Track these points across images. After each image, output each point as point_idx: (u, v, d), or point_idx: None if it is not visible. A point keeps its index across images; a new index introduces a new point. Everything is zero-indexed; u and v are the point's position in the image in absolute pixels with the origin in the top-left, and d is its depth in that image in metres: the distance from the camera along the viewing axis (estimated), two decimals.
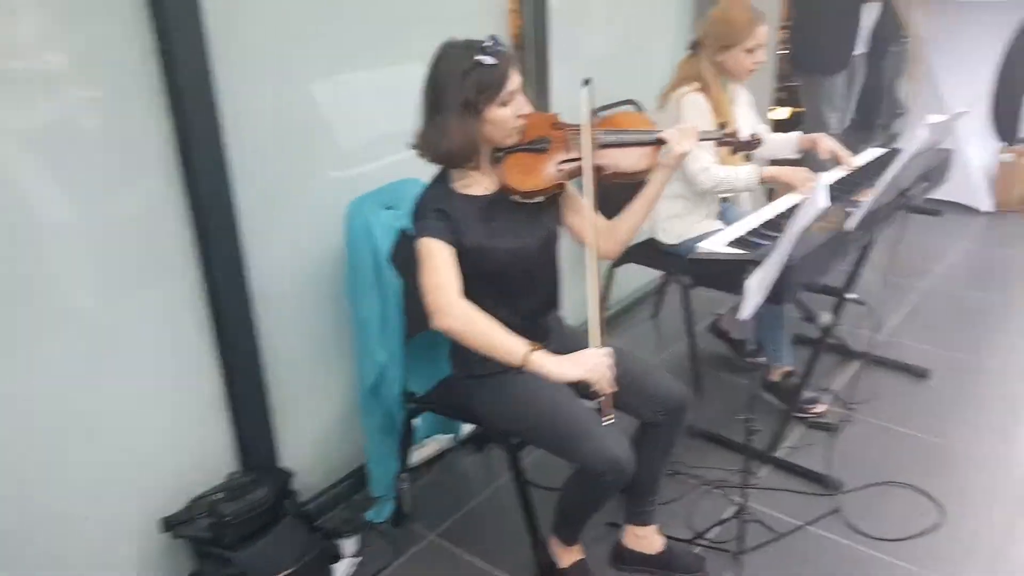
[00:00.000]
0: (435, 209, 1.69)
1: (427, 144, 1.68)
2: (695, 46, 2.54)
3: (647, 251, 2.73)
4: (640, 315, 3.45)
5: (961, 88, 4.30)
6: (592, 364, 1.59)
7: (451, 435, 2.52)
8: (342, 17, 2.06)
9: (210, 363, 1.94)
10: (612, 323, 3.28)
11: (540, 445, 1.81)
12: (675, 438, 1.96)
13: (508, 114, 1.66)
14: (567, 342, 1.96)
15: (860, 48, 4.08)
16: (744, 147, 1.96)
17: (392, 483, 2.22)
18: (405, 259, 2.01)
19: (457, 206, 1.71)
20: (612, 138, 1.80)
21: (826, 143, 2.57)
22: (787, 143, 2.67)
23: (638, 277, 3.46)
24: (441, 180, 1.76)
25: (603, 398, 1.60)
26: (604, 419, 1.60)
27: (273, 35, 1.92)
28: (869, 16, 3.84)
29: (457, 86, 1.61)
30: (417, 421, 2.19)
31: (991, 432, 2.56)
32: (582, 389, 1.67)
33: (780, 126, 4.44)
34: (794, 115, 4.99)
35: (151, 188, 1.75)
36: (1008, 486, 2.31)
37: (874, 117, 5.82)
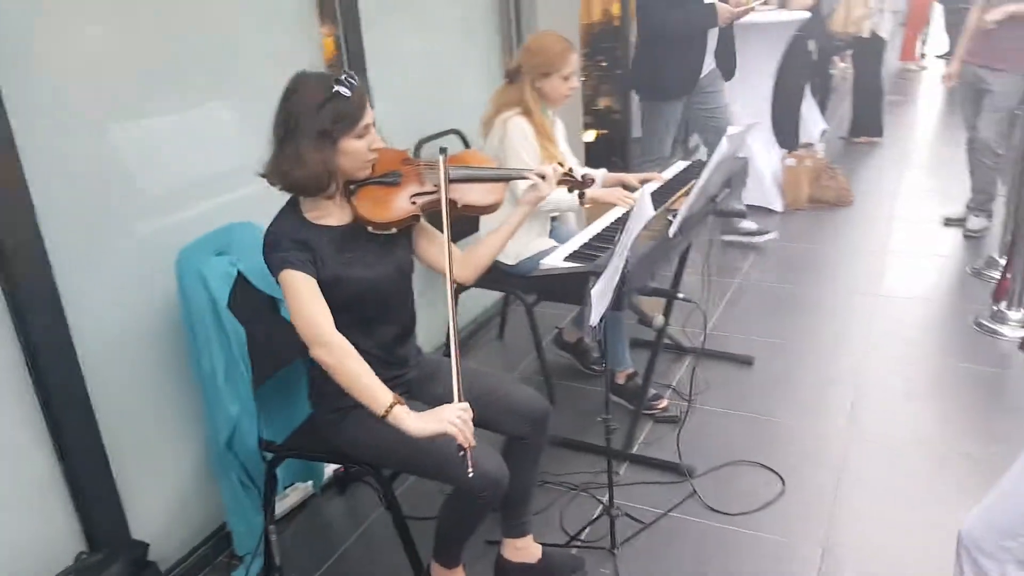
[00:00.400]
0: (292, 239, 1.68)
1: (281, 172, 1.67)
2: (513, 75, 2.67)
3: (487, 274, 2.79)
4: (485, 337, 3.52)
5: (746, 103, 4.76)
6: (451, 418, 1.59)
7: (310, 482, 2.45)
8: (147, 60, 1.98)
9: (38, 438, 1.78)
10: (461, 349, 3.32)
11: (414, 472, 1.82)
12: (541, 448, 2.03)
13: (362, 146, 1.69)
14: (425, 369, 1.99)
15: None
16: (580, 186, 2.08)
17: (258, 539, 2.13)
18: (244, 305, 1.97)
19: (313, 236, 1.70)
20: (468, 173, 1.89)
21: (631, 178, 2.83)
22: (597, 178, 2.87)
23: (480, 301, 3.55)
24: (293, 211, 1.75)
25: (464, 450, 1.58)
26: (468, 470, 1.57)
27: (74, 83, 1.82)
28: (713, 39, 3.88)
29: (314, 115, 1.63)
30: (278, 470, 2.12)
31: (810, 407, 2.84)
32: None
33: (588, 148, 4.71)
34: (599, 137, 5.33)
35: None
36: (830, 453, 2.58)
37: None
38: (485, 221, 2.59)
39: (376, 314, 1.81)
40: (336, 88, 1.63)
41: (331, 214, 1.76)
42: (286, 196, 1.76)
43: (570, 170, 2.07)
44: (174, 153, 2.09)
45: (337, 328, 1.67)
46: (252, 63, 2.31)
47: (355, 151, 1.68)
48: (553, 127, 2.76)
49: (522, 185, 2.02)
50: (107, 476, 1.91)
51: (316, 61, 2.58)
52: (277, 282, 1.68)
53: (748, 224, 4.24)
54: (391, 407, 1.63)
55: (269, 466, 2.02)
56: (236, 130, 2.28)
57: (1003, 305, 3.33)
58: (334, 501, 2.51)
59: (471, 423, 1.62)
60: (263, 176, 1.71)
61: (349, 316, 1.73)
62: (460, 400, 1.63)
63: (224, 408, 1.93)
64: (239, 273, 1.94)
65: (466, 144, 3.14)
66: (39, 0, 1.73)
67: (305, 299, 1.65)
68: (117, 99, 1.91)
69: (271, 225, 1.73)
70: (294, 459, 2.14)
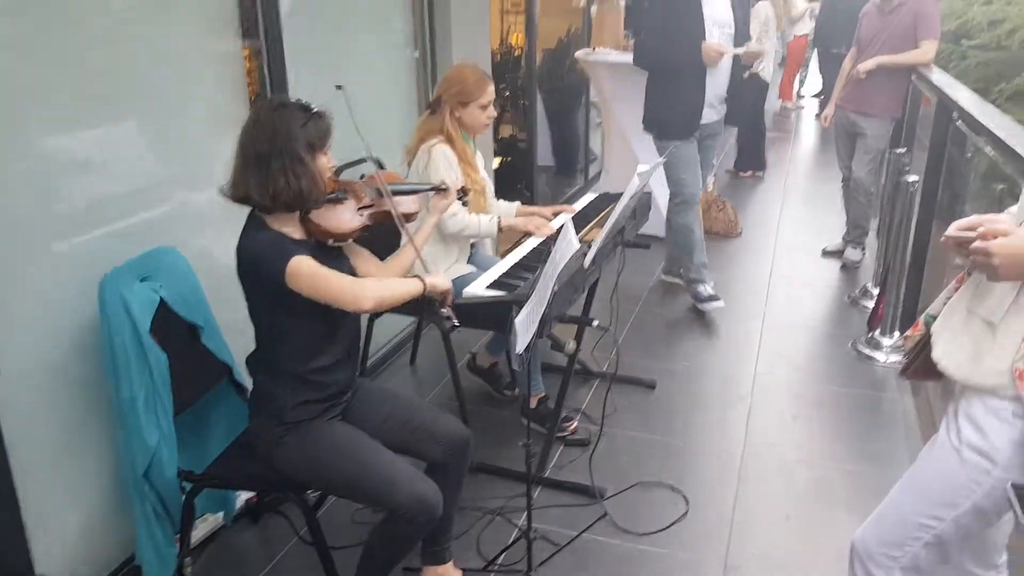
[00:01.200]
0: (280, 239, 1.77)
1: (275, 190, 1.72)
2: (434, 105, 2.74)
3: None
4: (398, 363, 3.54)
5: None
6: (445, 278, 1.98)
7: (221, 512, 2.40)
8: (61, 75, 1.93)
9: None
10: (372, 373, 3.34)
11: (348, 495, 1.85)
12: (463, 475, 2.09)
13: (327, 164, 1.82)
14: (360, 393, 2.03)
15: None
16: (461, 194, 2.37)
17: (171, 571, 2.07)
18: (166, 331, 1.94)
19: (288, 242, 1.78)
20: (395, 187, 2.07)
21: (545, 211, 2.99)
22: (509, 211, 3.00)
23: (391, 327, 3.56)
24: (262, 226, 1.79)
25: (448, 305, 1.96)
26: (454, 321, 1.97)
27: None
28: (716, 86, 3.77)
29: (299, 133, 1.73)
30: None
31: (708, 429, 3.02)
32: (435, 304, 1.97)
33: (495, 175, 4.81)
34: (505, 164, 5.44)
35: None
36: (728, 472, 2.74)
37: (574, 163, 6.55)
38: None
39: (335, 326, 1.89)
40: (314, 109, 1.77)
41: (290, 228, 1.83)
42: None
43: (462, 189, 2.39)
44: (92, 170, 2.04)
45: (301, 338, 1.81)
46: (173, 86, 2.28)
47: (324, 167, 1.81)
48: (474, 155, 2.84)
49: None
50: (12, 506, 1.82)
51: (237, 80, 2.57)
52: (283, 279, 1.71)
53: (703, 289, 4.01)
54: (421, 280, 1.90)
55: (188, 496, 1.97)
56: (152, 147, 2.24)
57: (877, 332, 3.64)
58: (246, 532, 2.46)
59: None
60: (228, 196, 1.76)
61: (313, 326, 1.82)
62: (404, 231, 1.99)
63: (142, 437, 1.88)
64: (162, 299, 1.91)
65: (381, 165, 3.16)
66: None
67: (322, 273, 1.75)
68: (31, 115, 1.86)
69: (250, 240, 1.78)
70: (209, 488, 2.10)
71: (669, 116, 3.80)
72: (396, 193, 2.06)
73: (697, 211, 3.99)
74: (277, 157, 1.72)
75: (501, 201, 3.05)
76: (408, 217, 2.07)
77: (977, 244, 1.33)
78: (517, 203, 3.06)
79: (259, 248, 1.76)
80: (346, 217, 1.90)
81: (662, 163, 3.25)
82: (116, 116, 2.11)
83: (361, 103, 3.26)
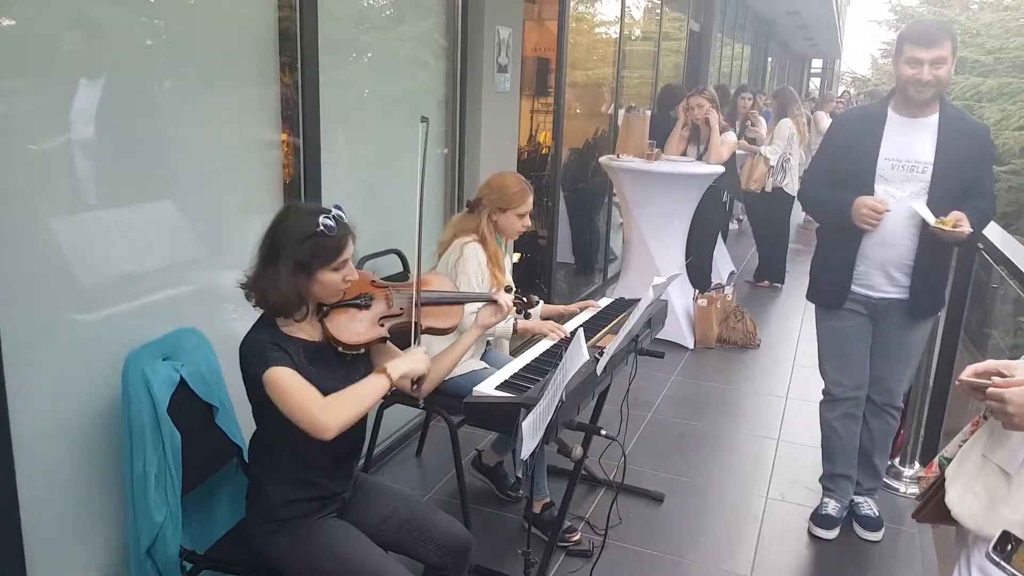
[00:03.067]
0: (271, 343, 1.75)
1: (257, 291, 1.76)
2: (473, 205, 2.82)
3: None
4: (404, 453, 3.51)
5: (664, 245, 5.06)
6: (423, 358, 1.87)
7: None
8: (102, 148, 2.02)
9: None
10: (378, 463, 3.30)
11: None
12: None
13: (337, 278, 1.80)
14: (358, 491, 2.01)
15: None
16: (528, 307, 2.28)
17: None
18: (183, 410, 1.97)
19: (288, 344, 1.78)
20: (434, 296, 2.02)
21: (571, 308, 3.09)
22: (534, 311, 3.02)
23: (400, 417, 3.55)
24: (268, 324, 1.82)
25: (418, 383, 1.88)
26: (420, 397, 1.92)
27: (28, 175, 1.85)
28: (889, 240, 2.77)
29: (296, 246, 1.73)
30: None
31: (716, 550, 2.95)
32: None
33: (514, 270, 4.87)
34: (524, 259, 5.52)
35: None
36: None
37: (593, 262, 6.64)
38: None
39: None
40: (322, 225, 1.74)
41: (302, 330, 1.85)
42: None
43: (520, 294, 2.27)
44: (122, 246, 2.11)
45: (296, 436, 1.72)
46: (207, 168, 2.38)
47: (330, 282, 1.79)
48: (504, 256, 2.91)
49: (472, 309, 2.13)
50: (19, 562, 1.83)
51: (273, 167, 2.66)
52: (262, 385, 1.71)
53: (826, 505, 3.15)
54: (388, 376, 1.78)
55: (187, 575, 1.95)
56: (183, 227, 2.32)
57: (897, 460, 3.56)
58: None
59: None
60: (242, 287, 1.80)
61: None
62: (418, 344, 1.90)
63: (150, 513, 1.90)
64: (182, 379, 1.94)
65: (404, 266, 3.22)
66: None
67: (295, 390, 1.70)
68: (68, 186, 1.94)
69: (247, 337, 1.80)
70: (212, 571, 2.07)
71: (814, 275, 3.04)
72: (438, 302, 2.02)
73: (849, 412, 3.04)
74: (270, 263, 1.75)
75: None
76: (443, 331, 2.03)
77: (992, 390, 1.33)
78: (541, 303, 3.08)
79: (247, 348, 1.77)
80: (360, 328, 1.87)
81: (677, 276, 3.27)
82: (151, 194, 2.20)
83: (390, 196, 3.40)
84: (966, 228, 2.53)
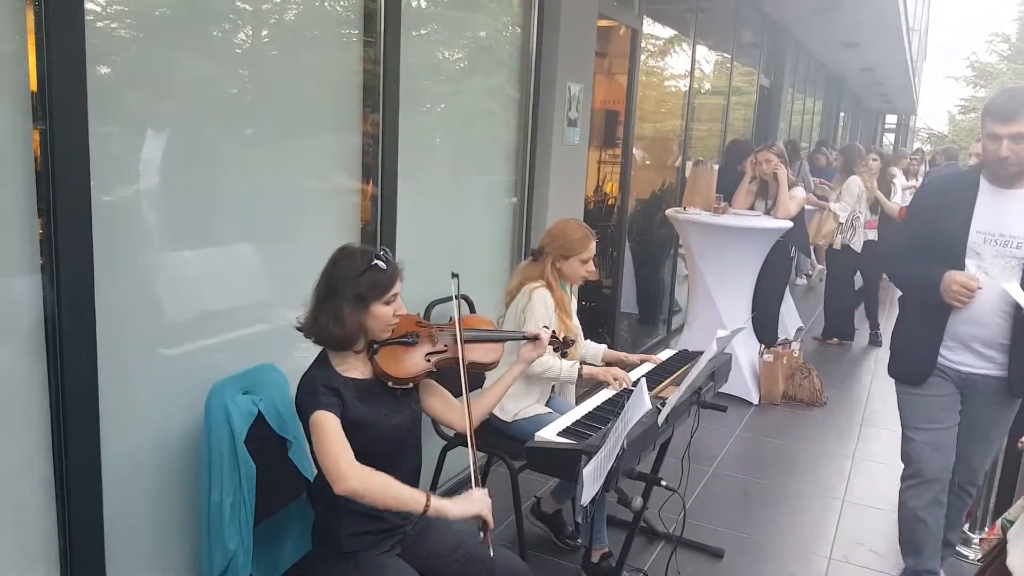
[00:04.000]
0: (325, 386, 1.85)
1: (318, 328, 1.88)
2: (537, 254, 2.91)
3: (480, 433, 2.90)
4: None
5: (730, 299, 5.04)
6: (480, 502, 1.89)
7: None
8: (190, 191, 2.15)
9: (46, 554, 1.85)
10: None
11: None
12: None
13: (389, 312, 1.92)
14: (419, 525, 2.07)
15: None
16: (562, 345, 2.40)
17: None
18: (259, 443, 2.07)
19: (341, 385, 1.88)
20: (475, 334, 2.14)
21: (634, 358, 3.12)
22: (597, 352, 3.13)
23: (463, 459, 3.58)
24: (324, 363, 1.93)
25: (487, 531, 1.89)
26: (490, 550, 1.92)
27: (148, 204, 2.03)
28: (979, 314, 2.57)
29: (353, 281, 1.86)
30: None
31: None
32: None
33: (580, 315, 4.92)
34: (587, 307, 5.55)
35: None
36: None
37: (657, 313, 6.62)
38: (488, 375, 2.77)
39: (389, 461, 1.95)
40: (375, 261, 1.87)
41: (356, 368, 1.95)
42: (300, 335, 1.94)
43: (554, 332, 2.37)
44: (206, 284, 2.26)
45: None
46: (287, 207, 2.52)
47: (382, 315, 1.91)
48: (570, 302, 2.98)
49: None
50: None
51: (350, 213, 2.79)
52: (308, 425, 1.83)
53: None
54: (428, 501, 1.82)
55: None
56: (263, 267, 2.46)
57: (967, 527, 3.44)
58: None
59: (491, 505, 1.91)
60: (299, 329, 1.89)
61: (365, 461, 1.87)
62: (480, 486, 1.92)
63: (224, 541, 1.99)
64: (259, 412, 2.05)
65: (471, 310, 3.31)
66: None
67: (332, 438, 1.80)
68: (158, 226, 2.09)
69: (305, 375, 1.91)
70: None
71: (896, 349, 2.85)
72: (479, 340, 2.15)
73: (937, 499, 2.76)
74: (330, 299, 1.87)
75: (589, 342, 3.15)
76: (486, 366, 2.15)
77: None
78: (604, 346, 3.14)
79: (303, 387, 1.89)
80: (410, 363, 1.99)
81: (741, 330, 3.27)
82: (236, 236, 2.35)
83: (461, 243, 3.51)
84: None
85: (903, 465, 2.83)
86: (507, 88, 3.72)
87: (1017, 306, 2.44)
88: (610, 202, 5.97)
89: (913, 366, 2.73)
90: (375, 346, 1.97)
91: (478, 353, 2.15)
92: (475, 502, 1.89)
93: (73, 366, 1.80)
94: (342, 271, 1.89)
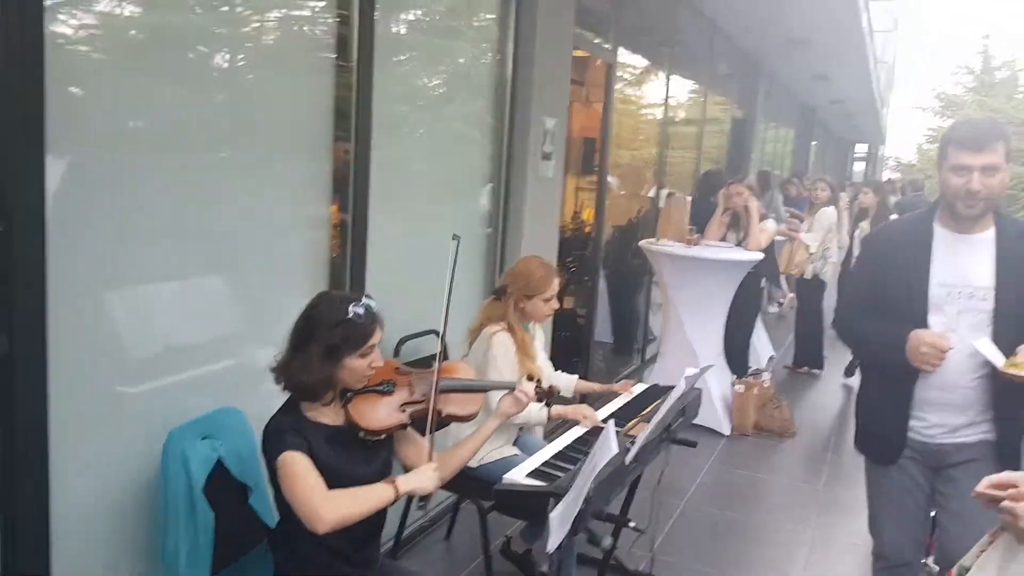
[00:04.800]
0: (292, 429, 1.81)
1: (288, 375, 1.84)
2: (500, 293, 2.88)
3: None
4: (433, 536, 3.50)
5: (702, 331, 5.06)
6: (433, 476, 1.91)
7: None
8: (152, 222, 2.09)
9: None
10: (407, 544, 3.30)
11: None
12: None
13: (363, 364, 1.87)
14: (387, 570, 2.04)
15: None
16: (547, 395, 2.32)
17: None
18: (218, 490, 2.01)
19: (309, 430, 1.84)
20: (455, 384, 2.09)
21: (602, 388, 3.15)
22: (568, 384, 3.10)
23: (432, 499, 3.54)
24: (293, 408, 1.89)
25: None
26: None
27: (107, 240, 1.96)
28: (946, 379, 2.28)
29: (326, 332, 1.81)
30: None
31: None
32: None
33: (554, 345, 4.90)
34: (562, 337, 5.53)
35: None
36: None
37: (631, 342, 6.63)
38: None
39: None
40: (352, 312, 1.82)
41: (326, 414, 1.91)
42: (265, 374, 1.90)
43: (539, 383, 2.30)
44: (167, 320, 2.19)
45: None
46: (255, 238, 2.46)
47: (356, 368, 1.86)
48: (533, 339, 2.95)
49: (497, 396, 2.19)
50: None
51: (320, 243, 2.75)
52: (274, 468, 1.78)
53: None
54: (396, 487, 1.83)
55: None
56: (228, 302, 2.40)
57: (931, 559, 3.44)
58: None
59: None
60: (272, 372, 1.86)
61: None
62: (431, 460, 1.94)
63: None
64: (219, 459, 2.00)
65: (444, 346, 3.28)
66: None
67: (303, 479, 1.76)
68: (114, 259, 2.02)
69: (272, 420, 1.87)
70: None
71: (860, 422, 2.57)
72: (459, 390, 2.10)
73: None
74: (302, 347, 1.83)
75: (561, 373, 3.14)
76: (464, 418, 2.10)
77: (1006, 504, 1.32)
78: (575, 376, 3.13)
79: (269, 431, 1.85)
80: (381, 414, 1.93)
81: (710, 367, 3.26)
82: (197, 267, 2.28)
83: (434, 276, 3.46)
84: None
85: (871, 538, 2.58)
86: (483, 117, 3.70)
87: (993, 367, 2.16)
88: (586, 230, 5.98)
89: (879, 445, 2.45)
90: (348, 394, 1.92)
91: (456, 405, 2.09)
92: (428, 476, 1.91)
93: (23, 405, 1.73)
94: (317, 319, 1.85)
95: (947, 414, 2.29)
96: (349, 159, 2.76)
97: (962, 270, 2.24)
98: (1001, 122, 2.40)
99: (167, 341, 2.19)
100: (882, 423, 2.42)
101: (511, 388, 2.23)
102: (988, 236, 2.25)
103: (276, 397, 2.47)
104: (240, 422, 2.17)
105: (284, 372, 1.85)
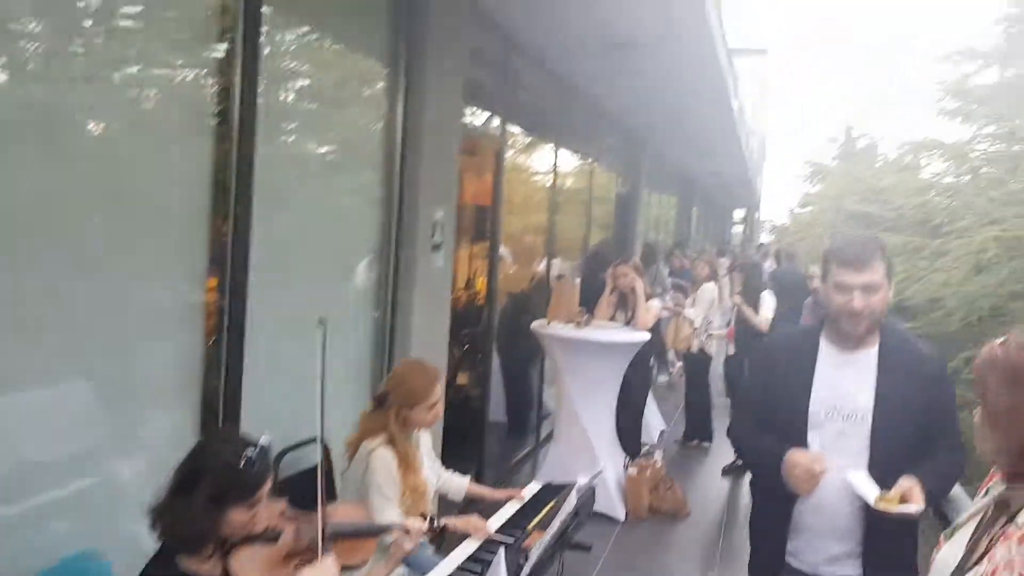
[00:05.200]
0: None
1: (164, 521, 1.67)
2: (380, 400, 2.77)
3: None
4: None
5: (593, 413, 5.06)
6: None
7: None
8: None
9: None
10: None
11: None
12: None
13: (247, 518, 1.72)
14: None
15: None
16: (440, 535, 2.22)
17: None
18: None
19: None
20: (344, 528, 1.98)
21: (498, 494, 3.04)
22: (459, 488, 3.02)
23: None
24: (167, 559, 1.70)
25: None
26: None
27: None
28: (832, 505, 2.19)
29: (212, 477, 1.67)
30: None
31: None
32: None
33: (447, 430, 4.75)
34: (453, 420, 5.40)
35: None
36: None
37: (526, 422, 6.58)
38: None
39: None
40: (242, 458, 1.69)
41: (204, 566, 1.73)
42: (135, 512, 1.73)
43: (432, 521, 2.23)
44: (15, 437, 1.97)
45: None
46: (120, 336, 2.27)
47: (240, 522, 1.72)
48: (418, 445, 2.84)
49: (388, 538, 2.08)
50: None
51: (195, 328, 2.56)
52: None
53: None
54: None
55: None
56: (87, 409, 2.18)
57: None
58: None
59: None
60: (149, 515, 1.69)
61: None
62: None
63: None
64: None
65: (328, 456, 3.12)
66: None
67: None
68: None
69: (143, 573, 1.68)
70: None
71: (751, 539, 2.42)
72: (349, 535, 1.99)
73: None
74: (182, 492, 1.68)
75: (453, 475, 3.05)
76: (355, 567, 2.00)
77: None
78: (467, 479, 3.04)
79: None
80: (264, 569, 1.78)
81: (599, 473, 3.23)
82: (48, 370, 2.07)
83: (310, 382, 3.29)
84: (915, 505, 1.95)
85: None
86: (372, 189, 3.60)
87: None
88: (479, 301, 5.86)
89: (763, 563, 2.33)
90: (227, 543, 1.75)
91: (346, 554, 1.95)
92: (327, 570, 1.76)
93: None
94: (201, 463, 1.70)
95: (826, 541, 2.18)
96: (227, 234, 2.57)
97: (842, 390, 2.16)
98: (878, 239, 2.41)
99: (9, 463, 1.95)
100: (763, 543, 2.34)
101: (402, 529, 2.15)
102: (872, 353, 2.18)
103: (144, 538, 2.26)
104: (101, 570, 1.95)
105: (161, 518, 1.68)
